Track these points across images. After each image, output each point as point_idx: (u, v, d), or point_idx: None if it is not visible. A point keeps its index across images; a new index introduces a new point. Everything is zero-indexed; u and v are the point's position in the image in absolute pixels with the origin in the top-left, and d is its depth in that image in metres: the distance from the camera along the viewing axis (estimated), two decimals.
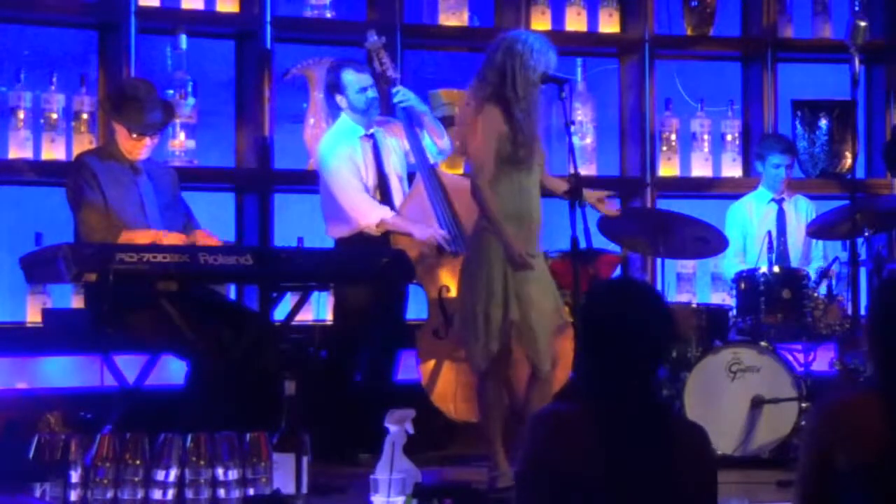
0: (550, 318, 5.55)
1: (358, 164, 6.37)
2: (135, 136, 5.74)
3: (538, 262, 5.58)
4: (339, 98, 6.40)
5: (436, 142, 6.45)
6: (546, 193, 5.71)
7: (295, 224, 6.84)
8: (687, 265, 7.43)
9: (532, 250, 5.53)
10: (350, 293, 6.39)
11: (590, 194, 5.69)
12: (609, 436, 3.26)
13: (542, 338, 5.49)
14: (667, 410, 3.41)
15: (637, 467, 3.24)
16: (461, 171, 6.85)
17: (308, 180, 6.81)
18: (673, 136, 7.69)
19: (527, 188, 5.58)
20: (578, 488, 3.24)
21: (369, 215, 6.27)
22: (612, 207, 6.05)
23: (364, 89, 6.35)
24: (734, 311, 6.58)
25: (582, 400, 3.43)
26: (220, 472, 4.48)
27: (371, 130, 6.43)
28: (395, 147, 6.50)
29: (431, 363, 6.27)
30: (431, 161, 6.46)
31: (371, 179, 6.40)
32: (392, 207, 6.35)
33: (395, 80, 6.47)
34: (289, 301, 5.90)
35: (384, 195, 6.41)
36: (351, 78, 6.35)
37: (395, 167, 6.47)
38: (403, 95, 6.42)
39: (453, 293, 6.18)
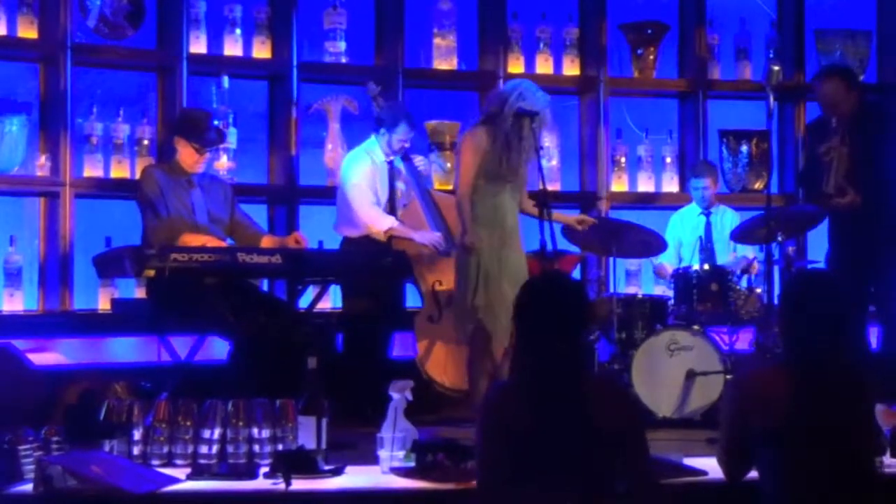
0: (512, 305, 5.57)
1: (375, 180, 6.40)
2: (196, 149, 5.76)
3: (515, 257, 5.67)
4: (382, 131, 6.40)
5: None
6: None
7: (316, 230, 6.82)
8: (634, 263, 7.43)
9: (505, 250, 5.63)
10: (359, 285, 6.40)
11: (568, 218, 6.00)
12: (536, 402, 3.25)
13: (502, 319, 5.49)
14: (585, 376, 3.38)
15: (561, 426, 3.23)
16: (451, 187, 6.86)
17: (328, 194, 6.80)
18: (623, 159, 7.70)
19: (503, 204, 5.65)
20: (518, 446, 3.25)
21: (381, 223, 6.31)
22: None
23: (404, 141, 6.38)
24: (672, 301, 6.59)
25: (518, 374, 3.43)
26: (255, 431, 4.46)
27: (391, 158, 6.47)
28: (404, 173, 6.54)
29: (426, 342, 6.31)
30: (427, 185, 6.55)
31: (384, 194, 6.44)
32: (396, 217, 6.39)
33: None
34: (311, 293, 5.90)
35: (392, 207, 6.47)
36: (403, 132, 6.36)
37: (402, 188, 6.54)
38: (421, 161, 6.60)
39: (444, 286, 6.21)
